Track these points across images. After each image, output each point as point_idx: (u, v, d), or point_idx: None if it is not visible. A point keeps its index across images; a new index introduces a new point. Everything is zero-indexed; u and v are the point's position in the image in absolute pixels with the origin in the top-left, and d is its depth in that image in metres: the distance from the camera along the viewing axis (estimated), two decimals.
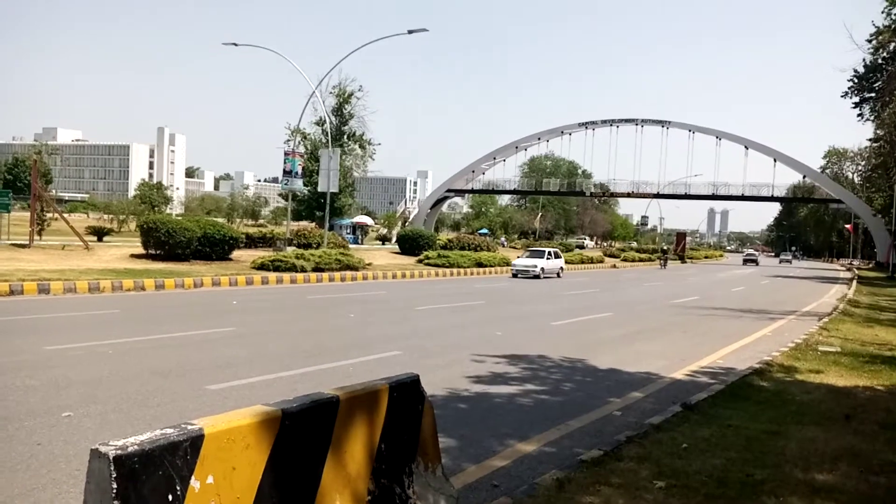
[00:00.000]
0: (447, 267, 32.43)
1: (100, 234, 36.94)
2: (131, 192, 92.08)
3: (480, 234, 57.64)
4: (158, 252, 24.27)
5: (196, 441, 2.73)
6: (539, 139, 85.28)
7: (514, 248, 59.40)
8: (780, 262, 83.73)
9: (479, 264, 34.84)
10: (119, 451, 2.46)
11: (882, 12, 40.42)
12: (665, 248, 47.52)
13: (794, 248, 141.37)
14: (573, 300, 21.45)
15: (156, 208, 57.05)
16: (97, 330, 11.49)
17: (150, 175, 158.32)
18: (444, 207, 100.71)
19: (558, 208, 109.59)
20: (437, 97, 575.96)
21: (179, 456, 2.65)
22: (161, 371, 8.19)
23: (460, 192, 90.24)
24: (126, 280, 18.06)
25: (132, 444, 2.53)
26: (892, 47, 41.80)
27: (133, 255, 24.53)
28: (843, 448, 5.84)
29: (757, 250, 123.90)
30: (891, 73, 38.05)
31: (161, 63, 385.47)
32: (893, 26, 38.26)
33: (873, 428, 6.58)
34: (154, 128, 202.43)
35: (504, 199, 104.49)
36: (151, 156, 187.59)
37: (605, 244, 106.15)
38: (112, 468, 2.42)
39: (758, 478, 5.00)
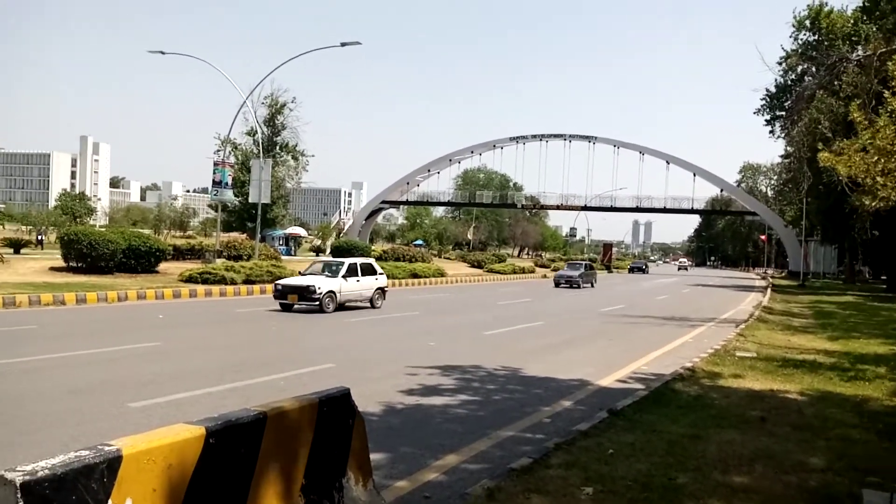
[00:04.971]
0: None
1: (16, 246, 35.06)
2: (52, 203, 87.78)
3: (415, 246, 57.66)
4: (80, 265, 23.28)
5: (113, 463, 2.65)
6: (472, 152, 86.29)
7: (449, 258, 59.63)
8: (679, 269, 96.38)
9: (415, 275, 34.86)
10: (27, 477, 2.35)
11: (790, 37, 43.22)
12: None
13: (713, 258, 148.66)
14: (506, 310, 21.72)
15: (78, 219, 54.69)
16: (12, 347, 10.91)
17: (73, 185, 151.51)
18: (379, 219, 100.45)
19: (491, 220, 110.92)
20: (374, 109, 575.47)
21: (95, 479, 2.55)
22: (80, 389, 7.84)
23: (395, 204, 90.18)
24: (45, 294, 17.22)
25: (42, 469, 2.42)
26: (799, 70, 44.60)
27: (53, 269, 23.41)
28: (758, 450, 6.12)
29: (686, 260, 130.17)
30: (798, 94, 40.36)
31: (85, 70, 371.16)
32: (800, 50, 40.83)
33: (786, 430, 6.93)
34: (77, 136, 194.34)
35: (438, 211, 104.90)
36: (74, 165, 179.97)
37: (536, 255, 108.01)
38: (19, 496, 2.31)
39: (680, 481, 5.18)
